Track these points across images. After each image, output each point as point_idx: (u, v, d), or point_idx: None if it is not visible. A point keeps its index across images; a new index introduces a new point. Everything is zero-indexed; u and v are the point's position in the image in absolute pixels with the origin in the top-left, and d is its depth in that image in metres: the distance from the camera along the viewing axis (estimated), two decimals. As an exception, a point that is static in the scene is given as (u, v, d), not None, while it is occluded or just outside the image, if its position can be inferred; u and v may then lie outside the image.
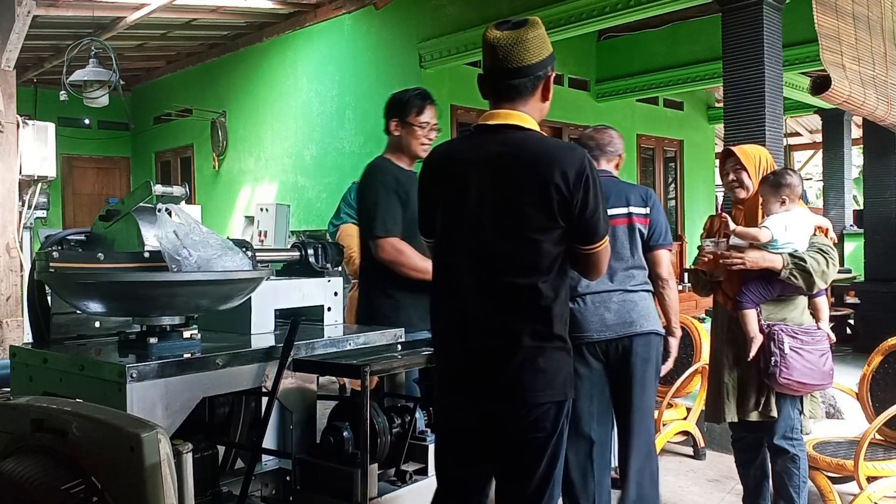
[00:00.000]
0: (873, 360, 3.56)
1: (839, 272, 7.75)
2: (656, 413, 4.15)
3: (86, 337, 2.53)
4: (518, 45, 1.91)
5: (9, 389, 2.46)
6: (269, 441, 2.53)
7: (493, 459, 2.03)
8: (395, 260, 2.97)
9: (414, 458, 2.54)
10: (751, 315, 2.95)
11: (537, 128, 1.97)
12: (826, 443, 3.50)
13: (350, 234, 4.07)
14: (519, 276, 1.90)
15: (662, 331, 3.01)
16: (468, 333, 1.96)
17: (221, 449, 2.51)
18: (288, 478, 2.52)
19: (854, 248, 8.95)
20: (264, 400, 2.38)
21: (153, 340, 2.20)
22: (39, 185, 5.61)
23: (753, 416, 2.98)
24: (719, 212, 4.00)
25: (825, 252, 2.91)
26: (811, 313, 3.05)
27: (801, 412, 3.02)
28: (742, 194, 3.10)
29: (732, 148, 3.17)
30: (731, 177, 3.11)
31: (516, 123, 1.94)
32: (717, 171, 11.14)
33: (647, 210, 2.98)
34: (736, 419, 3.03)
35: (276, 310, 2.71)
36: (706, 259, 3.06)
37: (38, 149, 5.51)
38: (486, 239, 1.92)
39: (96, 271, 2.18)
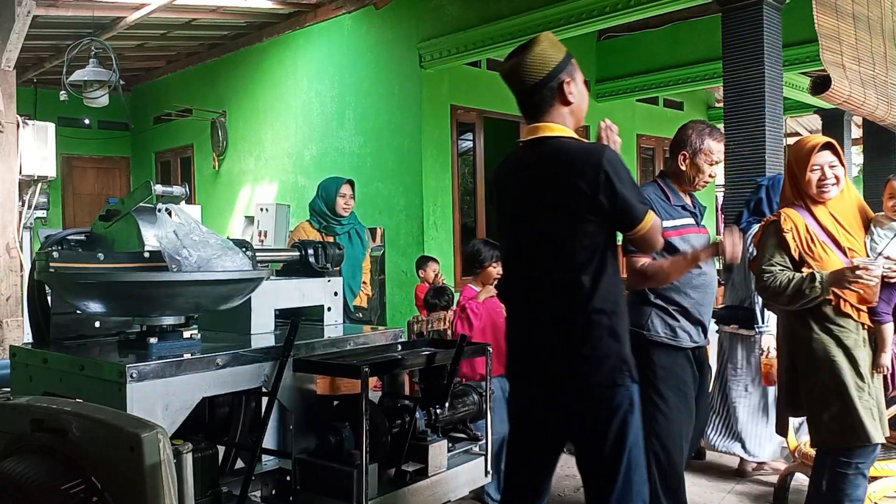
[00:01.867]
0: (873, 360, 3.55)
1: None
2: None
3: (86, 337, 2.53)
4: (521, 70, 2.09)
5: (9, 389, 2.46)
6: (269, 441, 2.54)
7: (562, 442, 2.24)
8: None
9: (414, 458, 2.53)
10: (890, 328, 2.77)
11: (568, 132, 2.11)
12: (826, 443, 3.50)
13: None
14: (559, 272, 2.06)
15: None
16: (525, 326, 2.18)
17: (221, 449, 2.51)
18: (288, 478, 2.52)
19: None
20: (264, 400, 2.38)
21: (153, 340, 2.20)
22: (39, 185, 5.61)
23: (886, 433, 2.74)
24: (746, 217, 3.89)
25: None
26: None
27: None
28: (834, 193, 2.79)
29: (832, 140, 2.82)
30: (829, 174, 2.76)
31: (544, 134, 2.12)
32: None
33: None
34: (883, 439, 2.72)
35: (276, 310, 2.71)
36: (872, 281, 2.57)
37: (38, 149, 5.51)
38: (529, 240, 2.14)
39: (96, 271, 2.18)
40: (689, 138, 2.96)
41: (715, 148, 2.97)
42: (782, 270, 2.75)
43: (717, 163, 3.02)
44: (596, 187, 1.98)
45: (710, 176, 3.04)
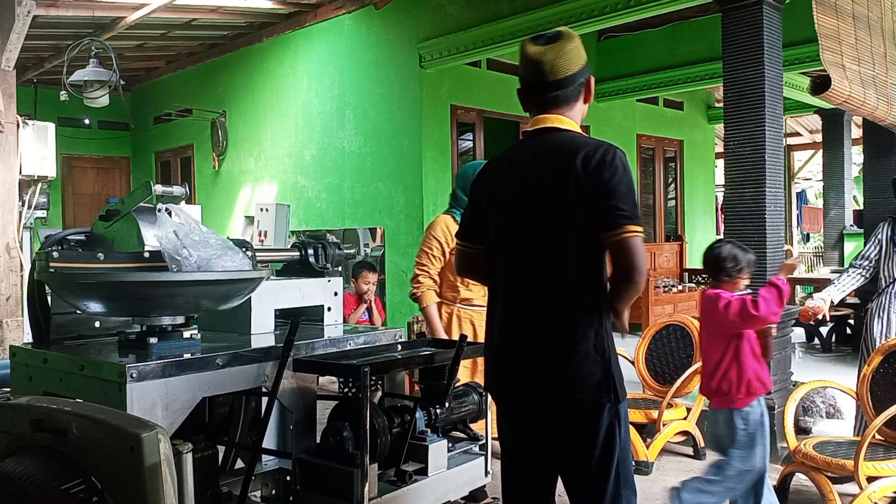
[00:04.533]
0: (873, 360, 3.56)
1: (839, 272, 7.75)
2: (656, 413, 4.16)
3: (86, 337, 2.53)
4: (562, 58, 1.98)
5: (9, 389, 2.46)
6: (269, 441, 2.54)
7: (548, 458, 2.08)
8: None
9: (414, 458, 2.54)
10: None
11: (576, 127, 2.04)
12: (826, 443, 3.50)
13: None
14: (545, 277, 1.95)
15: None
16: (510, 335, 2.03)
17: (221, 449, 2.51)
18: (288, 478, 2.52)
19: (854, 248, 8.95)
20: (264, 400, 2.38)
21: (153, 340, 2.20)
22: (39, 185, 5.61)
23: None
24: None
25: None
26: None
27: None
28: None
29: None
30: None
31: (554, 126, 2.02)
32: (717, 171, 11.16)
33: None
34: None
35: (276, 310, 2.71)
36: None
37: (38, 149, 5.51)
38: (522, 239, 2.00)
39: (96, 271, 2.18)
40: None
41: None
42: None
43: None
44: (594, 172, 1.88)
45: None
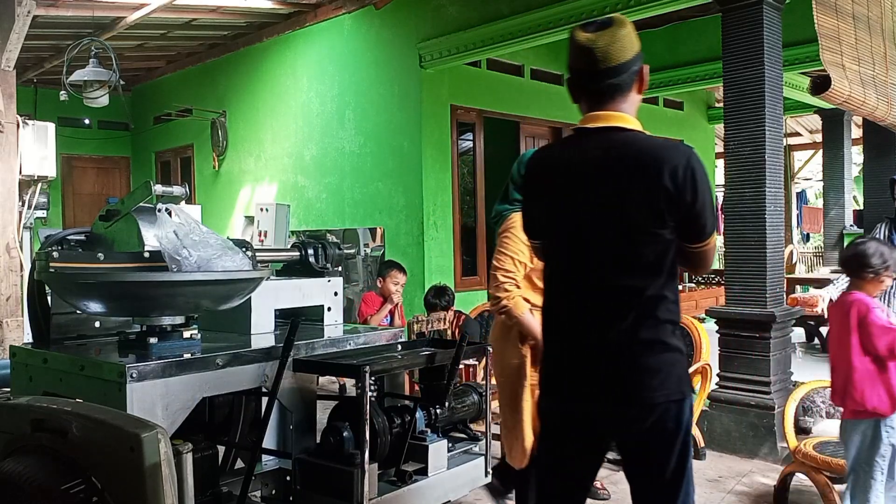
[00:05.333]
0: (873, 360, 3.56)
1: (839, 272, 7.75)
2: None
3: (86, 337, 2.53)
4: (616, 43, 1.90)
5: (9, 389, 2.46)
6: (269, 441, 2.54)
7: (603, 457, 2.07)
8: None
9: (414, 458, 2.54)
10: None
11: (640, 127, 1.95)
12: (826, 443, 3.50)
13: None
14: (627, 279, 1.90)
15: None
16: (579, 337, 1.97)
17: (221, 449, 2.51)
18: (288, 478, 2.52)
19: (854, 248, 8.93)
20: (264, 400, 2.38)
21: (153, 340, 2.20)
22: (39, 185, 5.61)
23: None
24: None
25: None
26: None
27: None
28: None
29: None
30: None
31: (619, 125, 1.92)
32: (717, 171, 11.15)
33: None
34: None
35: (276, 310, 2.71)
36: None
37: (38, 149, 5.51)
38: (595, 242, 1.93)
39: (96, 271, 2.18)
40: None
41: None
42: None
43: None
44: (683, 184, 1.83)
45: None
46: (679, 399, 1.91)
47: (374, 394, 2.88)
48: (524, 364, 2.79)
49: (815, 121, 11.23)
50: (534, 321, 2.78)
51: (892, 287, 3.92)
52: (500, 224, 2.95)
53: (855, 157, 11.26)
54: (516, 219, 2.88)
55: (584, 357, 1.96)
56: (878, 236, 4.03)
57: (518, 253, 2.84)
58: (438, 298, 5.07)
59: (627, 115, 1.95)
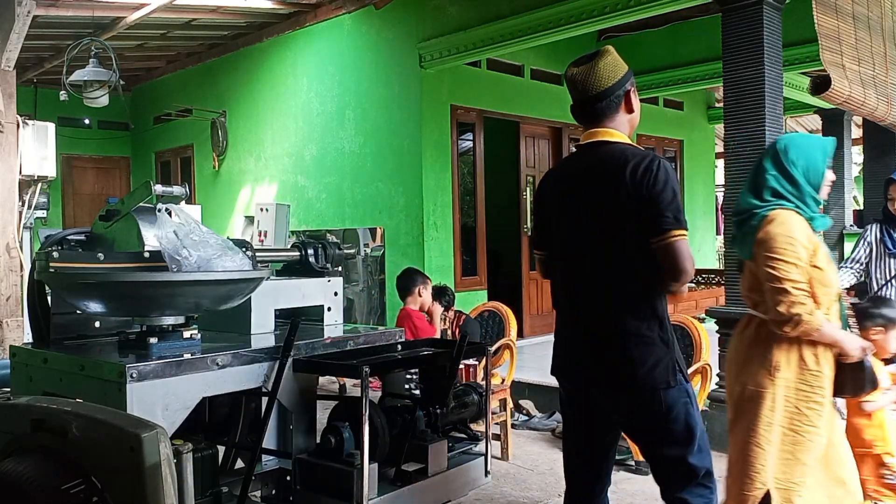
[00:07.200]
0: (874, 360, 3.55)
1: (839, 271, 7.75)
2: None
3: (86, 337, 2.53)
4: (594, 74, 2.20)
5: (9, 389, 2.46)
6: (269, 441, 2.54)
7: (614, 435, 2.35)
8: None
9: (414, 458, 2.54)
10: None
11: (624, 139, 2.23)
12: (826, 443, 3.50)
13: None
14: (610, 277, 2.16)
15: None
16: (576, 331, 2.26)
17: (221, 449, 2.51)
18: (288, 478, 2.52)
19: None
20: (264, 400, 2.38)
21: (153, 340, 2.20)
22: (39, 185, 5.61)
23: None
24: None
25: None
26: None
27: None
28: None
29: None
30: None
31: (604, 139, 2.22)
32: (717, 171, 11.15)
33: None
34: None
35: (276, 310, 2.71)
36: None
37: (38, 149, 5.51)
38: (582, 243, 2.21)
39: (96, 271, 2.18)
40: None
41: None
42: None
43: None
44: (640, 180, 2.07)
45: None
46: (665, 388, 2.12)
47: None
48: (767, 395, 2.38)
49: (815, 121, 11.22)
50: (836, 328, 2.44)
51: (883, 291, 3.92)
52: (749, 223, 2.49)
53: (855, 157, 11.26)
54: (792, 220, 2.43)
55: (581, 348, 2.24)
56: (868, 238, 4.03)
57: (801, 260, 2.37)
58: (439, 298, 5.06)
59: (615, 130, 2.23)
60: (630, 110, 2.26)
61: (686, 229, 2.11)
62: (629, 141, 2.25)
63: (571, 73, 2.25)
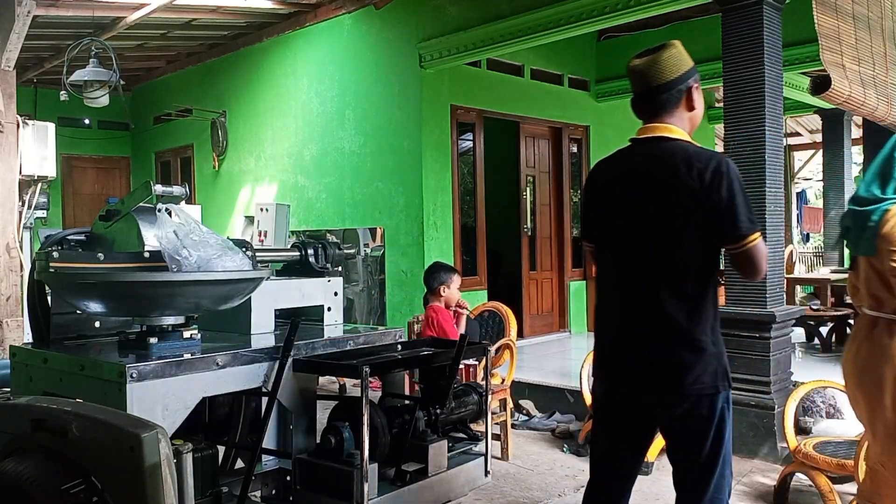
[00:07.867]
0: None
1: (839, 272, 7.76)
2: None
3: (86, 337, 2.53)
4: (655, 66, 2.15)
5: (9, 389, 2.46)
6: (269, 441, 2.54)
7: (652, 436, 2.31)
8: None
9: (414, 458, 2.54)
10: None
11: (685, 136, 2.16)
12: (826, 443, 3.50)
13: None
14: (663, 277, 2.09)
15: None
16: (625, 333, 2.19)
17: (221, 449, 2.51)
18: (288, 478, 2.52)
19: (854, 248, 8.92)
20: (264, 400, 2.38)
21: (153, 340, 2.20)
22: (39, 185, 5.61)
23: None
24: None
25: None
26: None
27: None
28: None
29: None
30: None
31: (663, 135, 2.15)
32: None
33: None
34: None
35: (276, 310, 2.71)
36: None
37: (38, 149, 5.51)
38: (638, 242, 2.14)
39: (96, 271, 2.18)
40: None
41: None
42: None
43: None
44: (710, 185, 2.01)
45: None
46: (712, 393, 2.09)
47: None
48: None
49: (815, 121, 11.22)
50: None
51: None
52: (870, 217, 2.28)
53: (855, 157, 11.27)
54: None
55: (630, 350, 2.16)
56: None
57: None
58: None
59: (674, 126, 2.15)
60: (691, 108, 2.19)
61: (759, 231, 2.07)
62: (690, 139, 2.16)
63: (634, 63, 2.19)
